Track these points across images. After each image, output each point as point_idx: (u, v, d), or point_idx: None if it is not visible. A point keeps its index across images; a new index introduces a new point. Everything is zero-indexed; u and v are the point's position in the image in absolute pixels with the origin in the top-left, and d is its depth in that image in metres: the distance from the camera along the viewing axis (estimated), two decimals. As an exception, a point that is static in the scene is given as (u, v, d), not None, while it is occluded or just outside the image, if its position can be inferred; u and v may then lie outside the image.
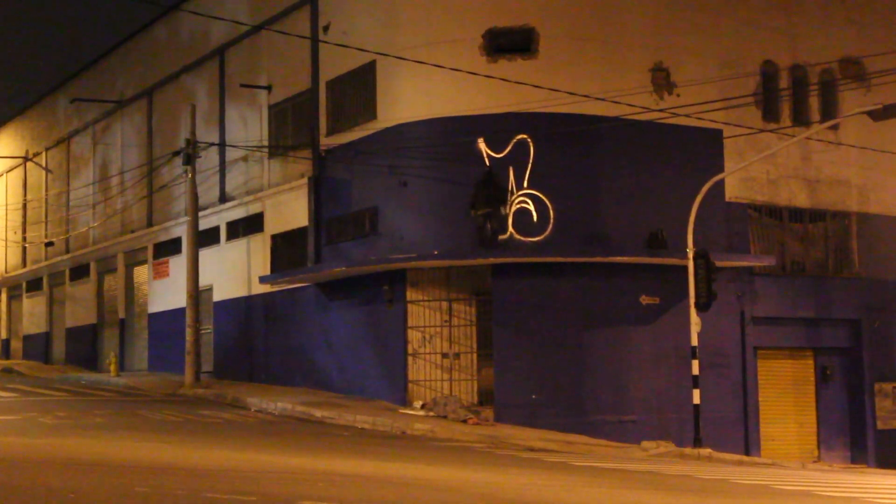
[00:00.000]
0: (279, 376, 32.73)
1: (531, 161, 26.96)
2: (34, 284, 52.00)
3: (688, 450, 24.50)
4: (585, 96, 26.01)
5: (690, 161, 28.28)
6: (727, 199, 29.18)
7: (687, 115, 27.08)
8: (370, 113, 29.26)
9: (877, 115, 24.37)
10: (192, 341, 32.52)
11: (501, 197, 26.82)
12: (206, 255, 34.72)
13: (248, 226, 34.57)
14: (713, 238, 27.98)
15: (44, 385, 35.19)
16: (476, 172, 26.87)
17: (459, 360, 27.95)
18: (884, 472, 27.40)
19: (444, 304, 28.00)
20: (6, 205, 53.55)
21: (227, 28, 34.74)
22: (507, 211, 26.92)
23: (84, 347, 45.89)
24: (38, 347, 50.75)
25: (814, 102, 31.27)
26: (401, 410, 26.97)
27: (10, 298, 55.36)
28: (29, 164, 52.30)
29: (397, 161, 27.97)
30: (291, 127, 33.01)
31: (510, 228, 26.93)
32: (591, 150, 27.61)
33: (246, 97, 34.82)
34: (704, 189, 25.53)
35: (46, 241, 49.03)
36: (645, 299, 27.60)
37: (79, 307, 46.96)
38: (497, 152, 27.08)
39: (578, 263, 27.05)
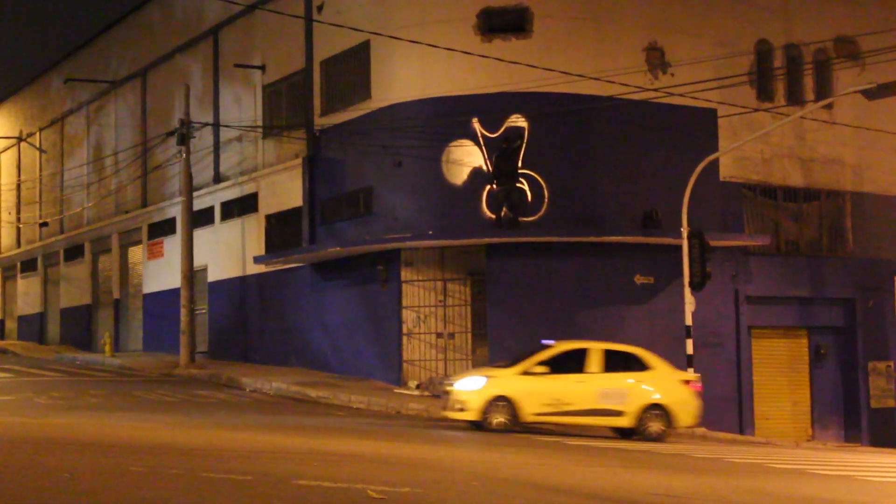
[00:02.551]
0: (274, 356, 32.75)
1: (525, 141, 26.95)
2: (28, 265, 51.94)
3: (682, 429, 24.52)
4: (580, 76, 25.96)
5: (685, 140, 28.25)
6: (721, 179, 29.18)
7: (681, 95, 27.04)
8: (364, 93, 29.20)
9: (871, 94, 24.33)
10: (186, 321, 32.50)
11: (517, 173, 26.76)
12: (200, 235, 34.70)
13: (242, 206, 34.52)
14: (707, 217, 27.95)
15: (38, 365, 35.19)
16: (493, 149, 26.86)
17: (454, 340, 27.98)
18: (877, 450, 27.52)
19: (439, 284, 28.01)
20: (0, 185, 53.41)
21: (220, 7, 34.61)
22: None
23: (79, 328, 45.87)
24: (32, 328, 50.72)
25: (808, 81, 31.24)
26: (395, 390, 27.01)
27: (5, 279, 55.28)
28: (23, 144, 52.13)
29: (392, 141, 27.93)
30: (285, 107, 32.94)
31: (504, 208, 26.92)
32: (586, 129, 27.59)
33: (240, 77, 34.74)
34: (699, 168, 25.52)
35: (41, 221, 48.87)
36: (639, 279, 27.62)
37: (73, 288, 46.93)
38: (491, 132, 27.06)
39: (573, 243, 27.06)
